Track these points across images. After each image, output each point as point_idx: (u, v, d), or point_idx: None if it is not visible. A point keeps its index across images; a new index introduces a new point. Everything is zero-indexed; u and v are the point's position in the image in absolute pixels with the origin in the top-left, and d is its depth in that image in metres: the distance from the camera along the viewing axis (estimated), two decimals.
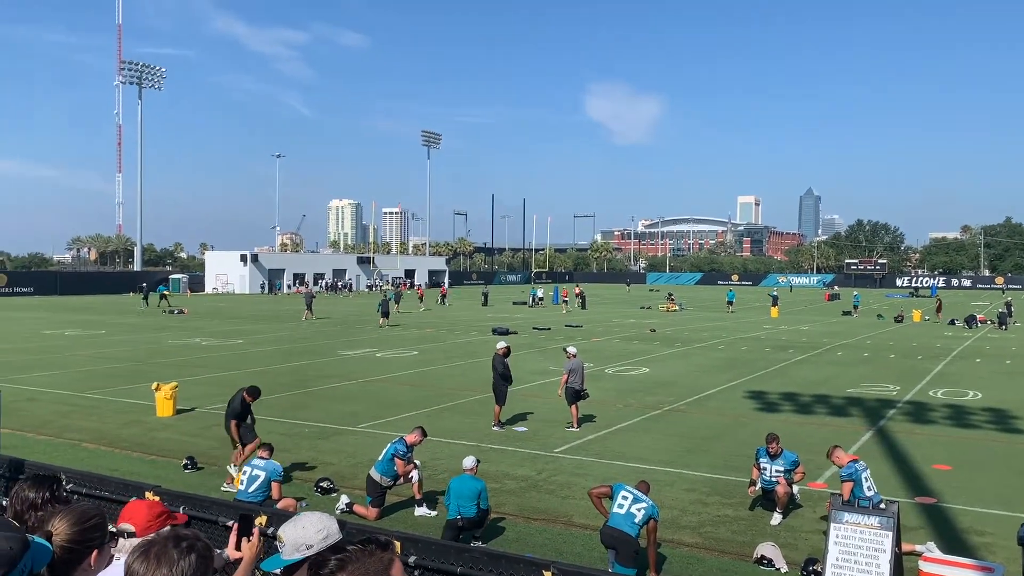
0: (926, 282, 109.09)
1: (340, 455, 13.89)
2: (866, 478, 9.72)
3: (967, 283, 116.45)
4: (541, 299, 63.53)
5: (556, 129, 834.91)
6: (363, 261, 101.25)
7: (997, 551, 9.49)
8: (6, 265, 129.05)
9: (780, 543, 9.41)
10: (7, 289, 71.18)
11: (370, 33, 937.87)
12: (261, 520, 4.30)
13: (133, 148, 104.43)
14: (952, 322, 46.12)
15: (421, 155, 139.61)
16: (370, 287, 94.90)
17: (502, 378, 16.28)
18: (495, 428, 15.91)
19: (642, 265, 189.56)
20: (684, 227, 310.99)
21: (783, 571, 8.89)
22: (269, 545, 3.52)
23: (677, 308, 57.20)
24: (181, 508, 5.28)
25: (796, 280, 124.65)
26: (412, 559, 4.28)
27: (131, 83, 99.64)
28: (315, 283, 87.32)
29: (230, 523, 4.61)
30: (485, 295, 64.74)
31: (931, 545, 9.19)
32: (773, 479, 10.82)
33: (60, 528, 2.50)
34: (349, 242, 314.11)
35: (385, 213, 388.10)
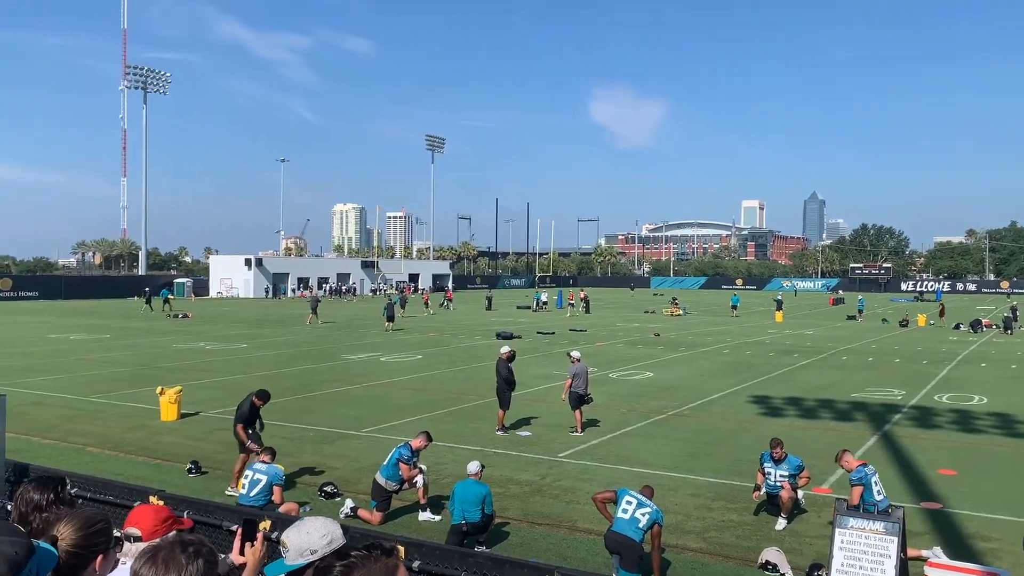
0: (931, 286, 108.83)
1: (344, 459, 13.89)
2: (876, 482, 9.70)
3: (972, 287, 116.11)
4: (545, 303, 63.50)
5: (560, 133, 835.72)
6: (367, 265, 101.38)
7: (1003, 556, 9.46)
8: (11, 269, 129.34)
9: (785, 548, 9.39)
10: (12, 293, 71.39)
11: (374, 38, 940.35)
12: (265, 525, 4.30)
13: (138, 152, 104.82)
14: (957, 326, 46.01)
15: (425, 159, 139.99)
16: (374, 291, 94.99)
17: (506, 383, 16.27)
18: (499, 432, 15.90)
19: (646, 269, 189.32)
20: (688, 231, 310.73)
21: None
22: (273, 550, 3.53)
23: (681, 312, 57.13)
24: (185, 512, 5.28)
25: (800, 284, 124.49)
26: (416, 564, 4.28)
27: (136, 88, 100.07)
28: (319, 287, 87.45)
29: (234, 528, 4.62)
30: (489, 299, 64.73)
31: (937, 550, 9.16)
32: (777, 484, 10.80)
33: (65, 533, 2.50)
34: (353, 246, 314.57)
35: (389, 217, 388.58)
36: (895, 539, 7.63)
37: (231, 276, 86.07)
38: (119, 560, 2.99)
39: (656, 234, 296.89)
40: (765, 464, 11.07)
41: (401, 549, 3.94)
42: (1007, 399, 20.71)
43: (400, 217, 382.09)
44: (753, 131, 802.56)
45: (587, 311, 57.13)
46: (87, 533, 2.58)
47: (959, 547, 9.70)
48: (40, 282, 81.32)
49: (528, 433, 16.05)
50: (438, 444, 13.70)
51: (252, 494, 10.04)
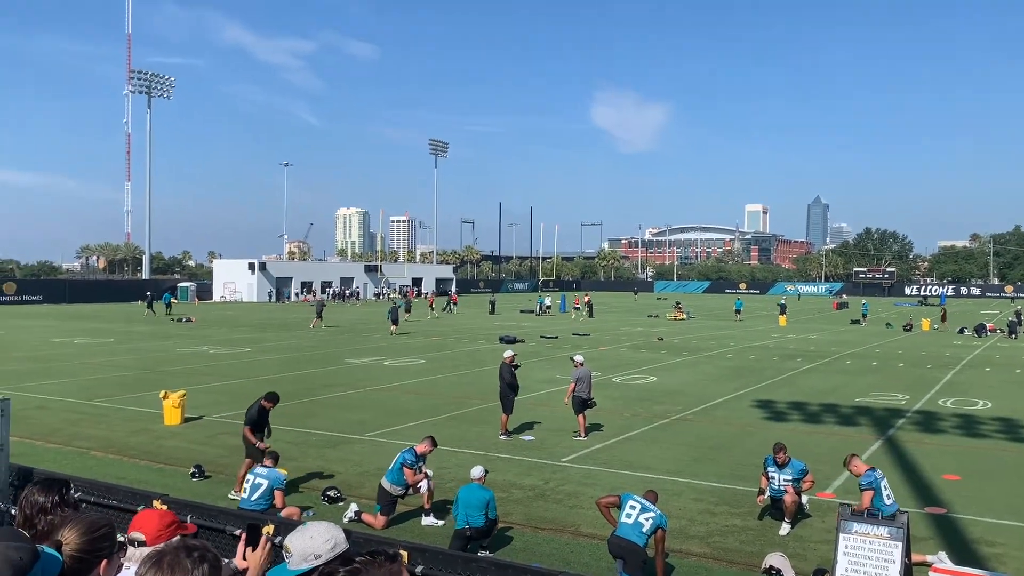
0: (935, 291, 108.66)
1: (347, 464, 13.89)
2: (885, 486, 9.68)
3: (976, 292, 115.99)
4: (548, 307, 63.50)
5: (563, 137, 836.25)
6: (370, 269, 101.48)
7: (1008, 562, 9.44)
8: (15, 273, 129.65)
9: (789, 553, 9.36)
10: (16, 297, 71.52)
11: (378, 42, 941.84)
12: (269, 529, 4.30)
13: (142, 157, 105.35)
14: (961, 331, 45.93)
15: (428, 163, 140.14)
16: (377, 295, 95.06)
17: (509, 387, 16.26)
18: (502, 437, 15.89)
19: (649, 273, 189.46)
20: (691, 235, 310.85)
21: None
22: (276, 555, 3.53)
23: (685, 317, 57.10)
24: (188, 517, 5.28)
25: (804, 288, 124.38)
26: (419, 569, 4.28)
27: (140, 92, 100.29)
28: (322, 291, 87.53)
29: (238, 532, 4.62)
30: (492, 303, 64.73)
31: (942, 555, 9.14)
32: (781, 488, 10.79)
33: (70, 538, 2.51)
34: (357, 250, 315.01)
35: (392, 221, 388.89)
36: (899, 544, 7.61)
37: (235, 280, 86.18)
38: (123, 565, 2.99)
39: (659, 238, 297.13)
40: (769, 468, 11.06)
41: (404, 554, 3.93)
42: (1012, 404, 20.66)
43: (403, 221, 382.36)
44: (756, 135, 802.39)
45: (590, 315, 57.13)
46: (91, 538, 2.59)
47: (963, 552, 9.68)
48: (44, 286, 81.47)
49: (531, 437, 16.04)
50: (442, 448, 13.68)
51: (253, 498, 10.05)
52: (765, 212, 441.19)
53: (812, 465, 11.70)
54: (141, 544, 3.10)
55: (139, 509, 4.03)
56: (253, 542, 3.38)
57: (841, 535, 7.73)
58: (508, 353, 16.99)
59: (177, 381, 22.30)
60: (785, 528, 10.51)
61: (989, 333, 44.13)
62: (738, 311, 57.09)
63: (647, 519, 8.66)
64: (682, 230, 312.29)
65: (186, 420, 17.28)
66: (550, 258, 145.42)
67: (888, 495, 9.61)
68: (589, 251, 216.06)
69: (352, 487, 12.26)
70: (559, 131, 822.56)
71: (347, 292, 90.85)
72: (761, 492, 11.10)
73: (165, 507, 5.40)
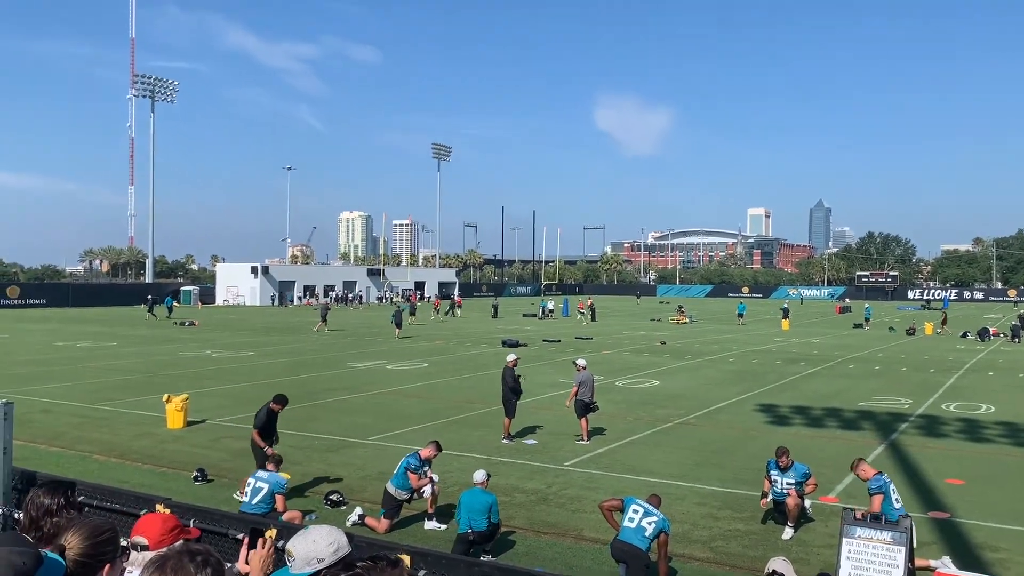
0: (938, 294, 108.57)
1: (350, 468, 13.89)
2: (893, 491, 9.68)
3: (979, 295, 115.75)
4: (551, 311, 63.52)
5: (566, 141, 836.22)
6: (373, 273, 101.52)
7: (1012, 567, 9.42)
8: (19, 277, 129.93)
9: (792, 558, 9.33)
10: (20, 301, 71.64)
11: (381, 47, 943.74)
12: (271, 533, 4.30)
13: (145, 161, 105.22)
14: (964, 335, 45.86)
15: (432, 167, 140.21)
16: (380, 299, 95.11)
17: (511, 391, 16.25)
18: (505, 441, 15.88)
19: (652, 277, 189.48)
20: (694, 239, 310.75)
21: None
22: (279, 559, 3.53)
23: (687, 321, 57.08)
24: (191, 521, 5.29)
25: (807, 292, 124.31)
26: (422, 573, 4.27)
27: (144, 96, 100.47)
28: (325, 295, 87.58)
29: (240, 536, 4.62)
30: (495, 307, 64.78)
31: (947, 560, 9.12)
32: (784, 491, 10.78)
33: (73, 542, 2.51)
34: (359, 254, 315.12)
35: (395, 225, 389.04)
36: (903, 549, 7.60)
37: (237, 284, 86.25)
38: (126, 569, 3.00)
39: (662, 242, 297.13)
40: (772, 472, 11.05)
41: (406, 559, 3.93)
42: (1015, 408, 20.62)
43: (406, 225, 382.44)
44: (759, 139, 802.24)
45: (593, 319, 57.12)
46: (95, 542, 2.59)
47: (967, 557, 9.66)
48: (48, 290, 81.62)
49: (534, 441, 16.04)
50: (444, 452, 13.67)
51: (254, 502, 10.06)
52: (768, 216, 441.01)
53: (815, 469, 11.69)
54: (144, 548, 3.10)
55: (142, 513, 4.04)
56: (256, 546, 3.39)
57: (844, 539, 7.72)
58: (511, 357, 16.99)
59: (180, 385, 22.32)
60: (788, 532, 10.50)
61: (992, 337, 44.07)
62: (741, 315, 57.09)
63: (650, 523, 8.65)
64: (685, 234, 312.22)
65: (189, 424, 17.29)
66: (553, 262, 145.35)
67: (896, 499, 9.61)
68: (592, 255, 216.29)
69: (355, 491, 12.26)
70: (562, 135, 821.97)
71: (350, 296, 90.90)
72: (764, 495, 11.09)
73: (168, 511, 5.41)
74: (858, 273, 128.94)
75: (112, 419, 18.25)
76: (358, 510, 10.98)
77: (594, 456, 14.86)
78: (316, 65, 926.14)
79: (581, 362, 16.89)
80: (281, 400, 12.87)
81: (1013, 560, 9.61)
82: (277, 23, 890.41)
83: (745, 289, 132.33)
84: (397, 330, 41.09)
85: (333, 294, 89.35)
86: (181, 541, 3.19)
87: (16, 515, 5.22)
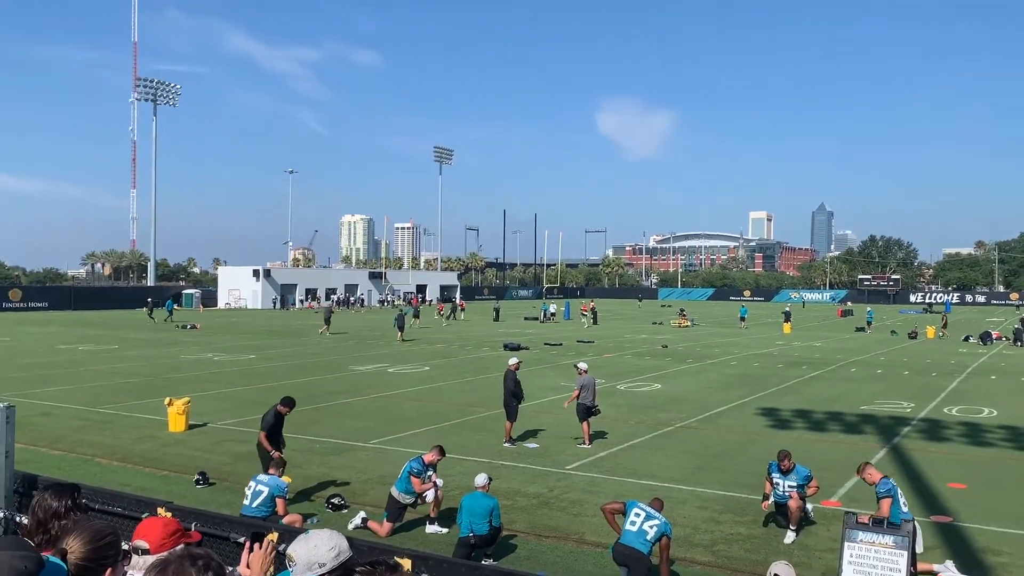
0: (940, 298, 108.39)
1: (351, 471, 13.88)
2: (900, 494, 9.67)
3: (981, 299, 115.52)
4: (553, 314, 63.51)
5: (567, 145, 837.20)
6: (375, 276, 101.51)
7: (1014, 571, 9.40)
8: (21, 280, 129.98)
9: (794, 562, 9.30)
10: (22, 304, 71.70)
11: (383, 51, 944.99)
12: (272, 536, 4.30)
13: (147, 164, 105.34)
14: (967, 339, 45.81)
15: (433, 171, 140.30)
16: (382, 302, 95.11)
17: (512, 395, 16.24)
18: (506, 445, 15.87)
19: (654, 281, 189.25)
20: (696, 242, 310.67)
21: None
22: (279, 563, 3.53)
23: (689, 324, 57.05)
24: (193, 524, 5.29)
25: (809, 296, 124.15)
26: None
27: (146, 100, 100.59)
28: (327, 298, 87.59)
29: (242, 540, 4.62)
30: (497, 310, 64.76)
31: (949, 564, 9.11)
32: (785, 494, 10.76)
33: (75, 546, 2.51)
34: (361, 257, 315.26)
35: (397, 228, 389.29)
36: (905, 553, 7.59)
37: (239, 287, 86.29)
38: (127, 573, 3.00)
39: (664, 245, 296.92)
40: (773, 474, 11.03)
41: (407, 563, 3.93)
42: (1017, 412, 20.59)
43: (408, 228, 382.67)
44: (761, 142, 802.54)
45: (595, 322, 57.10)
46: (96, 546, 2.60)
47: (969, 561, 9.63)
48: (49, 293, 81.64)
49: (536, 445, 16.03)
50: (446, 456, 13.68)
51: (254, 505, 10.05)
52: (769, 219, 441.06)
53: (817, 473, 11.66)
54: (145, 552, 3.10)
55: (144, 517, 4.05)
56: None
57: (846, 544, 7.71)
58: (513, 360, 16.98)
59: (182, 388, 22.32)
60: (790, 536, 10.48)
61: (995, 340, 44.02)
62: (743, 318, 57.03)
63: (651, 527, 8.64)
64: (686, 237, 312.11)
65: (190, 427, 17.29)
66: (554, 265, 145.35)
67: (904, 503, 9.61)
68: (593, 258, 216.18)
69: (356, 494, 12.25)
70: (563, 137, 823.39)
71: (351, 299, 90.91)
72: (766, 498, 11.08)
73: (170, 514, 5.41)
74: (860, 276, 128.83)
75: (114, 422, 18.26)
76: (361, 514, 10.98)
77: (596, 460, 14.85)
78: (318, 69, 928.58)
79: (583, 365, 16.87)
80: (288, 402, 12.87)
81: (1015, 564, 9.58)
82: (279, 27, 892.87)
83: (747, 292, 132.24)
84: (399, 333, 41.10)
85: (335, 297, 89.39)
86: (182, 545, 3.19)
87: (18, 519, 5.23)
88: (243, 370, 28.27)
